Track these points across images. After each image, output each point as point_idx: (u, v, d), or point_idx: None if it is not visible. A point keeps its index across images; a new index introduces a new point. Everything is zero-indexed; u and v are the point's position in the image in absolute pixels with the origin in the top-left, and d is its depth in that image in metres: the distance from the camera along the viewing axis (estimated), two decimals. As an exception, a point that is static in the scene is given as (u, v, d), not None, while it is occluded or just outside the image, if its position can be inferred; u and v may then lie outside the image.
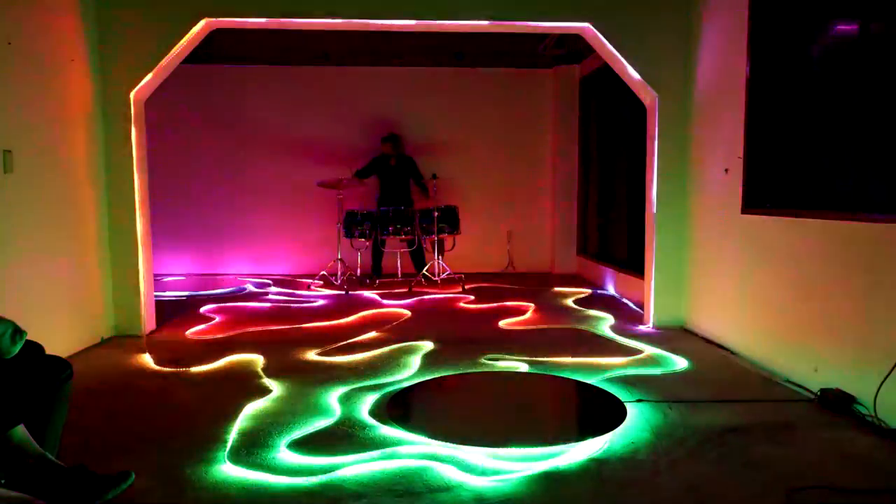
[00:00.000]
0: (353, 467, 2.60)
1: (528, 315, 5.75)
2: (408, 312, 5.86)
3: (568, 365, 4.05)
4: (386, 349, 4.49)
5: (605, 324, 5.35)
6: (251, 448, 2.80)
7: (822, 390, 3.36)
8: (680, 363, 4.15)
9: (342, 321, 5.47)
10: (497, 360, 4.20)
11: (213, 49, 7.31)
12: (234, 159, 8.46)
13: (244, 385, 3.71)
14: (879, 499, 2.39)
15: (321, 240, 8.29)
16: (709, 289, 4.85)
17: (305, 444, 2.85)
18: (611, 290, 7.05)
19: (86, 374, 3.87)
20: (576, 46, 7.39)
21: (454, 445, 2.78)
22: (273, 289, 7.27)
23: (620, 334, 4.96)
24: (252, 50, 7.84)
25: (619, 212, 7.08)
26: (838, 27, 3.63)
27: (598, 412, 3.34)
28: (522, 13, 5.01)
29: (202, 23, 4.84)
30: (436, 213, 7.14)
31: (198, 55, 5.94)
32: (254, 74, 8.38)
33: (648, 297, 5.32)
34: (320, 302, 6.44)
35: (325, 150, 8.45)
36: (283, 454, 2.74)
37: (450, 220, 7.25)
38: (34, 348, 2.35)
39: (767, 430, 3.03)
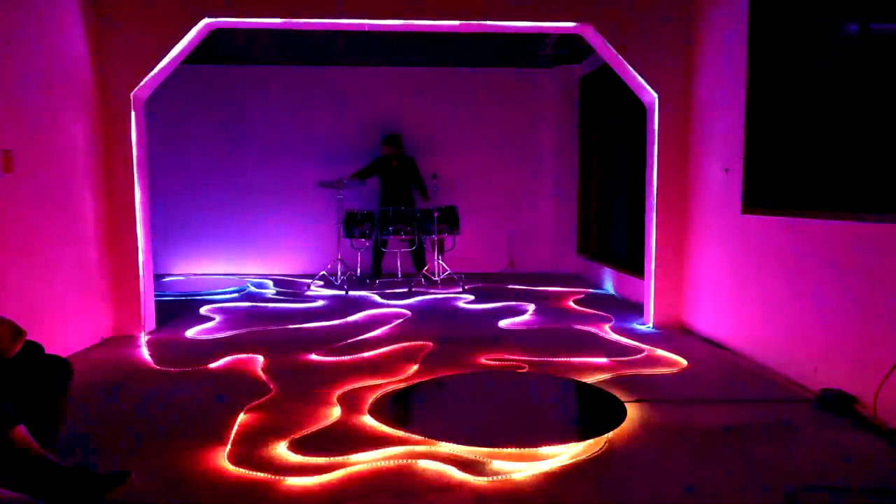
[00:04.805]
0: (354, 467, 2.60)
1: (528, 315, 5.75)
2: (408, 312, 5.86)
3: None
4: (386, 349, 4.49)
5: (605, 324, 5.35)
6: (251, 448, 2.80)
7: (822, 390, 3.36)
8: (680, 363, 4.15)
9: (342, 321, 5.47)
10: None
11: (213, 49, 7.31)
12: (234, 159, 8.45)
13: (244, 385, 3.71)
14: (879, 499, 2.39)
15: (321, 240, 8.30)
16: (709, 289, 4.85)
17: (305, 444, 2.85)
18: (611, 290, 7.04)
19: (86, 374, 3.87)
20: (576, 46, 7.40)
21: (454, 445, 2.78)
22: (273, 289, 7.27)
23: (620, 334, 4.95)
24: (252, 50, 7.84)
25: (619, 212, 7.08)
26: (838, 27, 3.63)
27: (598, 412, 3.34)
28: (523, 14, 5.01)
29: (202, 23, 4.84)
30: (436, 213, 7.14)
31: (198, 55, 5.95)
32: (254, 74, 8.37)
33: (648, 297, 5.32)
34: (320, 302, 6.43)
35: (325, 150, 8.45)
36: (283, 454, 2.74)
37: (450, 220, 7.25)
38: (34, 348, 2.36)
39: (767, 430, 3.03)
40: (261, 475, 2.54)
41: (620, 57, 5.02)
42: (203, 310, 5.94)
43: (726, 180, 4.49)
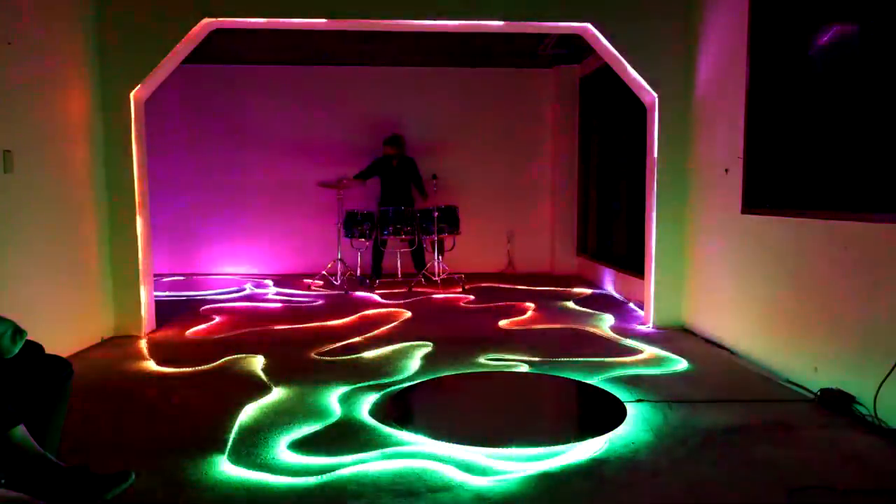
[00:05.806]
0: (353, 467, 2.60)
1: (528, 315, 5.75)
2: (408, 312, 5.86)
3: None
4: (386, 349, 4.49)
5: (605, 324, 5.35)
6: (251, 448, 2.80)
7: (822, 390, 3.36)
8: (680, 363, 4.15)
9: (342, 321, 5.47)
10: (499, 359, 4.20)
11: (213, 49, 7.31)
12: (234, 159, 8.46)
13: (244, 385, 3.71)
14: (879, 499, 2.39)
15: (321, 240, 8.30)
16: (709, 289, 4.85)
17: (305, 444, 2.85)
18: (611, 290, 7.04)
19: (86, 374, 3.87)
20: (576, 46, 7.39)
21: (454, 445, 2.78)
22: (273, 289, 7.27)
23: (620, 334, 4.95)
24: (252, 50, 7.83)
25: (619, 212, 7.08)
26: (838, 27, 3.63)
27: (598, 412, 3.34)
28: (524, 13, 5.01)
29: (202, 23, 4.84)
30: (436, 213, 7.14)
31: (198, 55, 5.94)
32: (254, 74, 8.38)
33: (648, 297, 5.32)
34: (320, 302, 6.43)
35: (325, 150, 8.45)
36: (284, 454, 2.74)
37: (450, 220, 7.25)
38: (34, 348, 2.35)
39: (767, 430, 3.03)
40: (261, 475, 2.53)
41: (620, 57, 5.02)
42: (203, 310, 5.94)
43: (726, 180, 4.49)
